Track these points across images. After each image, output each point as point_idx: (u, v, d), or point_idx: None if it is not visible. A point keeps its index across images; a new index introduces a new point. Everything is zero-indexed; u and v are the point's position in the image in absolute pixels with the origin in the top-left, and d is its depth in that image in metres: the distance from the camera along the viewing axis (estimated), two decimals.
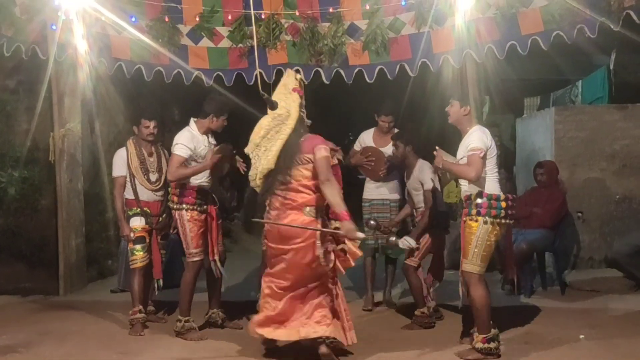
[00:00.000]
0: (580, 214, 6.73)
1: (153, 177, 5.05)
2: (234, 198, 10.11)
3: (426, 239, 4.97)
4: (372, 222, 5.24)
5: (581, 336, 4.69)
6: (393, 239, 4.92)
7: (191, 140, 4.74)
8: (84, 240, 6.58)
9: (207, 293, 5.11)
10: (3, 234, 6.28)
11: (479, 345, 4.21)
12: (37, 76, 5.91)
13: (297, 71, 4.73)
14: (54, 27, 5.14)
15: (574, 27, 4.77)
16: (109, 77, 5.82)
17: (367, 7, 5.24)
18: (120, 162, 5.04)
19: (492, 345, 4.20)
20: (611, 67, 8.10)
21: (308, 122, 4.28)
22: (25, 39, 5.18)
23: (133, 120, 5.18)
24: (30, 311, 5.70)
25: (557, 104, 9.07)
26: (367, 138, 5.72)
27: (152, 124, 5.02)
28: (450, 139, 4.90)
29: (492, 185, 4.25)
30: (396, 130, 5.50)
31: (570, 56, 7.51)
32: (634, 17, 4.48)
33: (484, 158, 4.18)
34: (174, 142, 4.74)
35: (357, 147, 5.77)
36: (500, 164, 9.67)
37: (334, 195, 3.97)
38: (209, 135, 4.94)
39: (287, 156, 4.06)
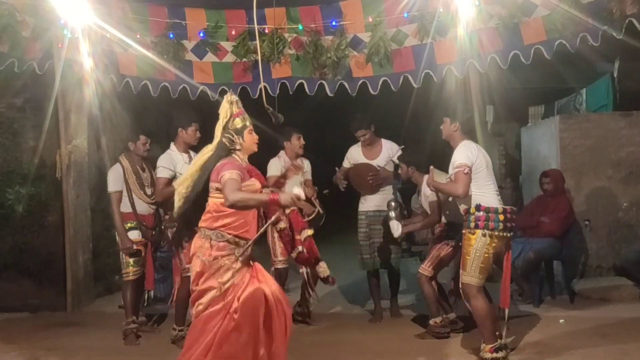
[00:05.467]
0: (587, 222, 6.70)
1: (149, 191, 5.23)
2: None
3: (438, 249, 4.97)
4: (392, 203, 5.21)
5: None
6: (392, 214, 5.08)
7: (170, 161, 5.00)
8: (91, 256, 6.60)
9: None
10: (11, 251, 6.30)
11: (487, 355, 4.21)
12: (44, 94, 5.97)
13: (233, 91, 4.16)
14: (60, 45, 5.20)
15: (576, 36, 4.77)
16: (114, 94, 5.87)
17: (370, 19, 5.27)
18: (117, 177, 5.15)
19: (500, 354, 4.19)
20: (615, 75, 8.09)
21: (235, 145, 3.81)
22: (32, 57, 5.22)
23: (135, 137, 5.26)
24: (38, 327, 5.70)
25: (562, 112, 9.07)
26: (355, 153, 5.66)
27: (149, 141, 5.26)
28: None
29: (489, 198, 4.29)
30: (384, 141, 5.61)
31: (573, 64, 7.51)
32: (637, 24, 4.49)
33: (469, 173, 4.23)
34: (156, 165, 5.02)
35: (345, 164, 5.73)
36: (505, 173, 9.73)
37: (245, 200, 3.54)
38: (191, 152, 5.06)
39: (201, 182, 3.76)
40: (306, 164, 5.69)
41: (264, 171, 4.62)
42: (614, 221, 6.74)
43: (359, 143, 5.67)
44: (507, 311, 4.39)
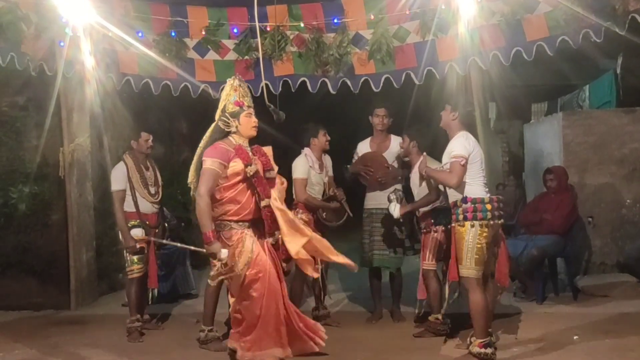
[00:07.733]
0: (591, 219, 6.70)
1: (152, 189, 5.26)
2: None
3: (431, 240, 4.96)
4: (397, 187, 5.20)
5: (575, 337, 4.71)
6: (392, 196, 5.05)
7: None
8: (95, 254, 6.62)
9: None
10: (14, 250, 6.32)
11: (475, 349, 4.25)
12: (46, 92, 5.98)
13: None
14: (62, 44, 5.19)
15: (579, 32, 4.76)
16: (116, 92, 5.87)
17: (372, 16, 5.27)
18: (121, 176, 5.16)
19: (489, 350, 4.23)
20: (618, 71, 8.07)
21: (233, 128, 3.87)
22: (34, 56, 5.23)
23: (136, 135, 5.27)
24: (41, 326, 5.72)
25: (565, 109, 9.05)
26: (363, 148, 5.61)
27: (151, 137, 5.27)
28: None
29: (477, 189, 4.31)
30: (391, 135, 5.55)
31: (576, 61, 7.50)
32: None
33: (465, 165, 4.24)
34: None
35: (354, 159, 5.66)
36: (508, 170, 9.73)
37: (199, 212, 3.67)
38: None
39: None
40: (328, 161, 5.59)
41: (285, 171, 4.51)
42: (617, 218, 6.73)
43: (368, 139, 5.63)
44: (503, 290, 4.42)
